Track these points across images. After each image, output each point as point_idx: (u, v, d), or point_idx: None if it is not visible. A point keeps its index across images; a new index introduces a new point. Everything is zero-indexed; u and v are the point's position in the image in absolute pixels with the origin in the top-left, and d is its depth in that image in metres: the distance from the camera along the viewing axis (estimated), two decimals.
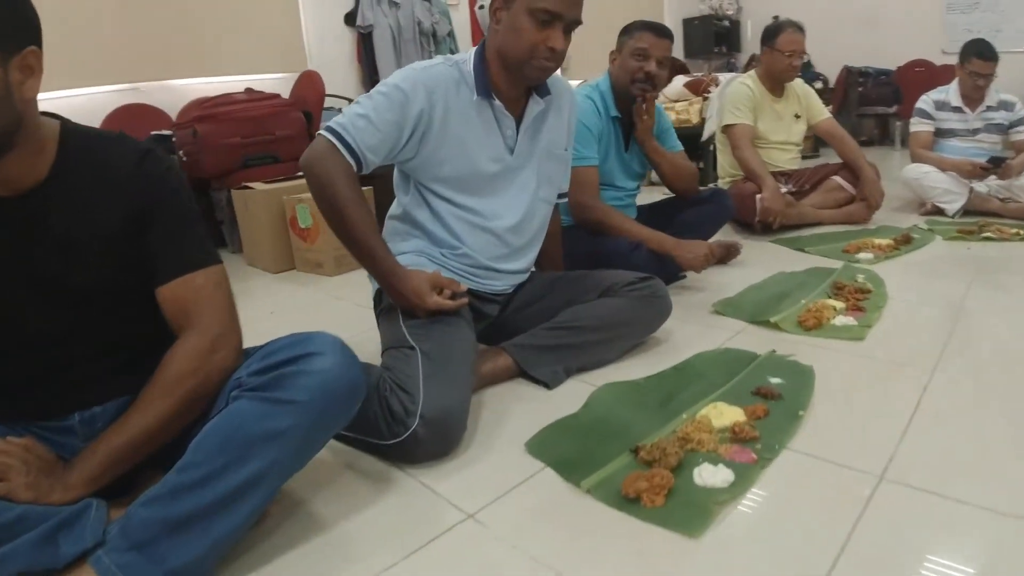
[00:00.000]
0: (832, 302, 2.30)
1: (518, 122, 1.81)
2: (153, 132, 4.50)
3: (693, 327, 2.24)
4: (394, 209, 1.93)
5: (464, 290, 1.72)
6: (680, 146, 2.88)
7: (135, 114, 4.78)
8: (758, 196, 3.26)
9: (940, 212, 3.58)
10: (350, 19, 5.68)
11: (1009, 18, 6.42)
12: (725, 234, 3.41)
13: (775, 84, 3.51)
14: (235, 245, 4.31)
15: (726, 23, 7.86)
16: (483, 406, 1.74)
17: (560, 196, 2.13)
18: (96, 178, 1.12)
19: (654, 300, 2.02)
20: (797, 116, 3.59)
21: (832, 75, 7.00)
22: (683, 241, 2.50)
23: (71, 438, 1.18)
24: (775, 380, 1.76)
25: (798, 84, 3.64)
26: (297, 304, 2.98)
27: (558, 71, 1.85)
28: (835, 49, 6.92)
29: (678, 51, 7.86)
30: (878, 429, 1.50)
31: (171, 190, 1.18)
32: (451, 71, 1.71)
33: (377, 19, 5.61)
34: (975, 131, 3.67)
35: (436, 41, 5.84)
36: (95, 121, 4.64)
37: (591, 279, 2.02)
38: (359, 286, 2.40)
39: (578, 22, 1.68)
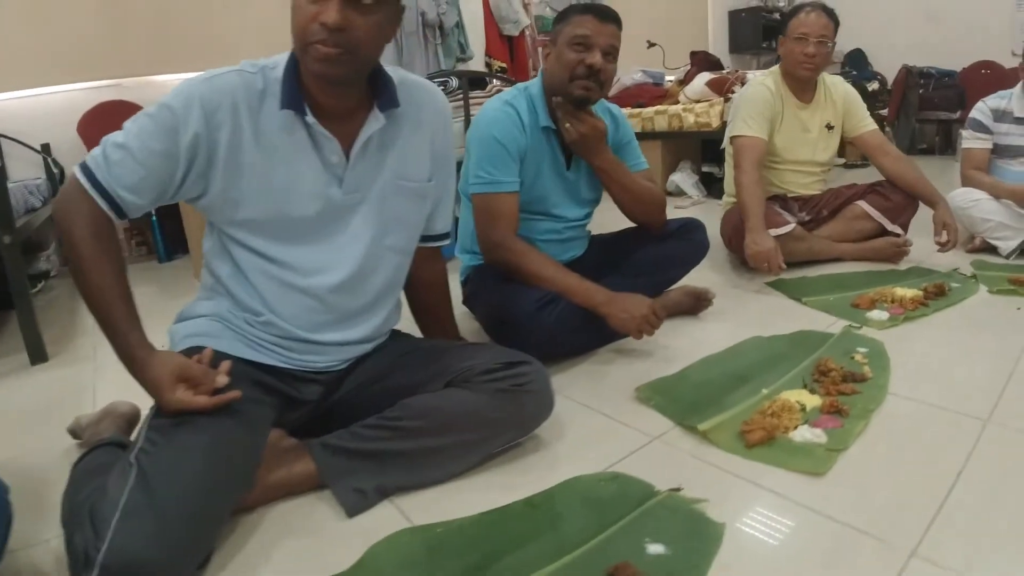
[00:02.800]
0: (803, 396, 1.60)
1: (351, 146, 1.31)
2: None
3: (597, 424, 1.61)
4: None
5: (223, 384, 1.17)
6: (644, 164, 2.21)
7: (113, 112, 4.41)
8: None
9: (993, 250, 2.78)
10: None
11: None
12: (717, 266, 2.73)
13: (799, 84, 2.74)
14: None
15: (776, 16, 6.97)
16: (250, 535, 1.22)
17: (432, 239, 1.58)
18: None
19: (520, 396, 1.40)
20: (829, 127, 2.80)
21: (891, 75, 6.09)
22: (618, 296, 1.86)
23: None
24: (655, 549, 1.11)
25: (836, 84, 2.84)
26: None
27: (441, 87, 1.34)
28: (895, 47, 6.10)
29: (722, 46, 7.06)
30: None
31: None
32: (251, 80, 1.24)
33: None
34: None
35: (443, 33, 5.25)
36: (72, 120, 4.30)
37: (445, 358, 1.44)
38: None
39: None
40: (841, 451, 1.38)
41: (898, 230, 2.71)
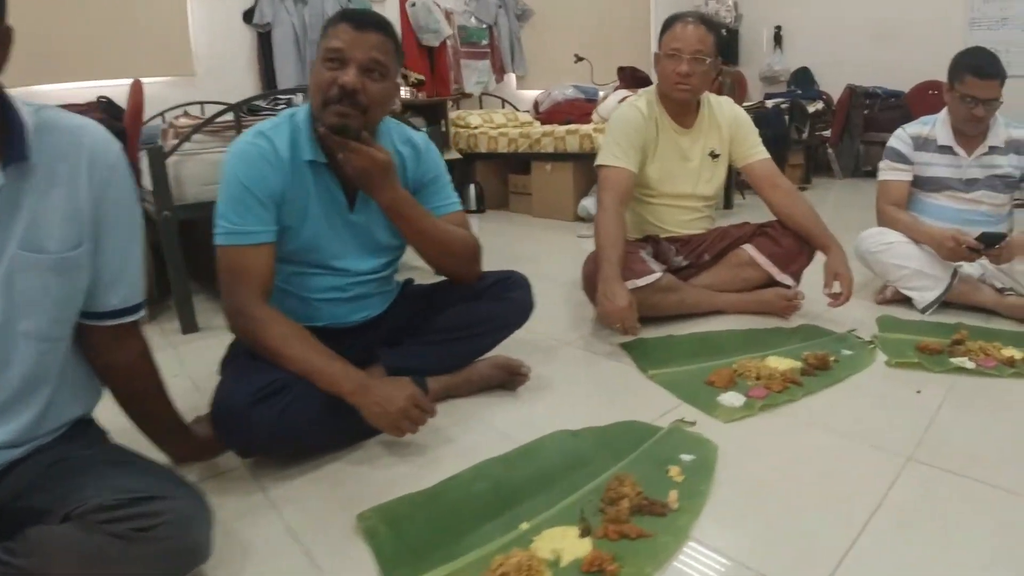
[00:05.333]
0: (567, 540, 1.12)
1: None
2: None
3: (287, 567, 1.14)
4: None
5: None
6: (456, 205, 1.74)
7: None
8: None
9: (907, 302, 2.31)
10: (250, 17, 4.67)
11: None
12: (576, 319, 2.27)
13: (677, 107, 2.27)
14: None
15: (723, 32, 6.51)
16: None
17: (108, 315, 1.15)
18: None
19: (143, 545, 0.98)
20: (714, 155, 2.33)
21: (838, 94, 5.68)
22: (374, 383, 1.41)
23: None
24: None
25: (723, 106, 2.36)
26: None
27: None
28: (842, 66, 5.73)
29: None
30: None
31: None
32: None
33: (278, 17, 4.61)
34: (971, 183, 2.36)
35: None
36: None
37: (70, 482, 1.07)
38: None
39: None
40: None
41: (788, 280, 2.24)
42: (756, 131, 2.34)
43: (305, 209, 1.53)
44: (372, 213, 1.60)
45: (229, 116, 2.54)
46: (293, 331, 1.44)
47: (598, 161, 2.24)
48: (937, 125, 2.41)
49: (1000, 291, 2.23)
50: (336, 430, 1.46)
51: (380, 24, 1.46)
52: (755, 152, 2.30)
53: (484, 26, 5.52)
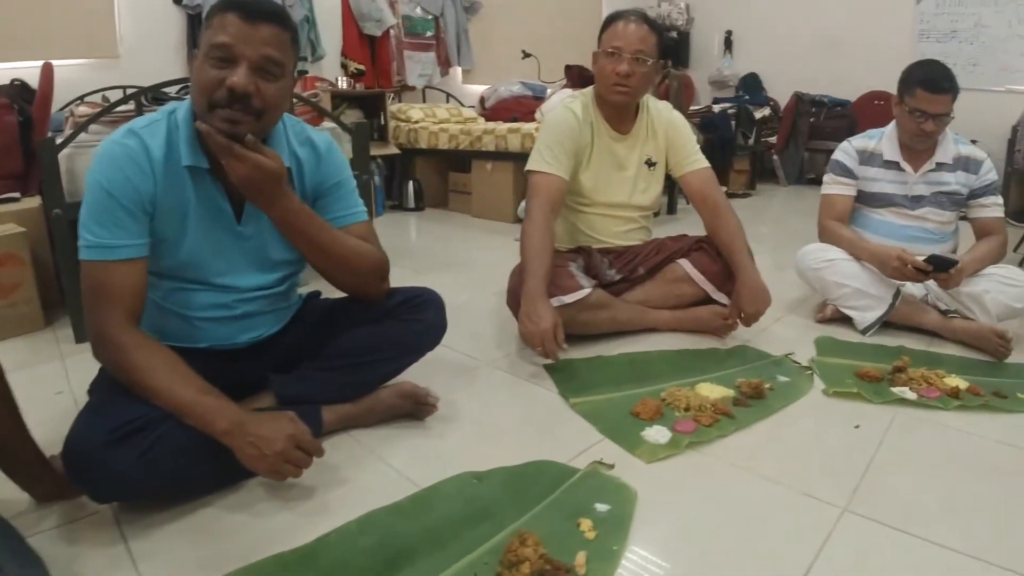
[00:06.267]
0: None
1: None
2: None
3: None
4: None
5: None
6: (361, 215, 1.53)
7: None
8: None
9: (847, 321, 2.20)
10: None
11: (990, 51, 5.08)
12: (502, 337, 2.10)
13: (614, 111, 2.12)
14: None
15: (674, 34, 6.44)
16: None
17: None
18: None
19: None
20: (650, 164, 2.18)
21: (786, 102, 5.61)
22: (252, 420, 1.22)
23: None
24: None
25: (660, 111, 2.20)
26: None
27: None
28: (791, 74, 5.73)
29: None
30: None
31: None
32: None
33: None
34: (917, 200, 2.25)
35: None
36: None
37: None
38: None
39: None
40: None
41: (725, 299, 2.11)
42: (693, 138, 2.20)
43: (184, 220, 1.33)
44: (263, 224, 1.40)
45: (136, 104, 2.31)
46: (161, 359, 1.24)
47: (528, 166, 2.07)
48: (883, 139, 2.31)
49: (944, 313, 2.13)
50: (208, 476, 1.27)
51: (274, 13, 1.25)
52: (691, 162, 2.15)
53: (430, 17, 5.29)
